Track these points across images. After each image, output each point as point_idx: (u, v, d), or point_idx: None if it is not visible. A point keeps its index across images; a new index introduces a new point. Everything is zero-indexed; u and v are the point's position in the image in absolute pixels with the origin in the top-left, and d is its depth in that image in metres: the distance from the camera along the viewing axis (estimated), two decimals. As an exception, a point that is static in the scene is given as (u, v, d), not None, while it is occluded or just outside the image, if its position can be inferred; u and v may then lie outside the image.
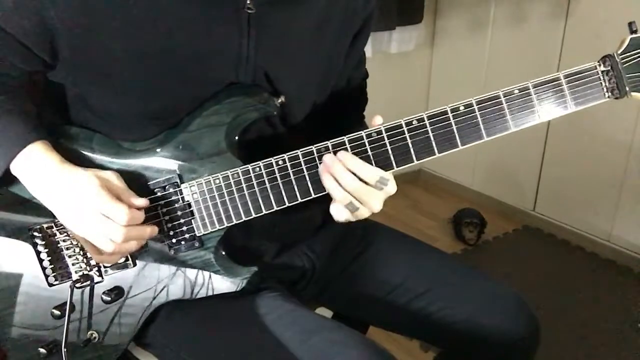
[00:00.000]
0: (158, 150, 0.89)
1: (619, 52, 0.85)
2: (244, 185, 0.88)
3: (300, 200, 0.88)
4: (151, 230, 0.87)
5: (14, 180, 0.85)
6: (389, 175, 0.86)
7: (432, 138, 0.85)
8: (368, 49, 1.11)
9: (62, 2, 0.79)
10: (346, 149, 0.86)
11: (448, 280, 1.06)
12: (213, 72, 0.88)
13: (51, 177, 0.83)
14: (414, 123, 0.85)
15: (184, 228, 0.90)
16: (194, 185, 0.89)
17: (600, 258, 2.53)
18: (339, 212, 0.89)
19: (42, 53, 0.84)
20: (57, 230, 0.91)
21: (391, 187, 0.87)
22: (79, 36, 0.81)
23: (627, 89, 0.85)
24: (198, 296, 0.93)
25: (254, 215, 0.89)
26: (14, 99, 0.87)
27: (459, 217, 2.71)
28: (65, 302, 0.90)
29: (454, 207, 2.82)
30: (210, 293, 0.93)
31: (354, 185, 0.84)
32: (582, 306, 2.20)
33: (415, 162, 0.87)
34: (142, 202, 0.86)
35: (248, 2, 0.85)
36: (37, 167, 0.83)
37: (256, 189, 0.88)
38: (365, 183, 0.85)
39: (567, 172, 2.63)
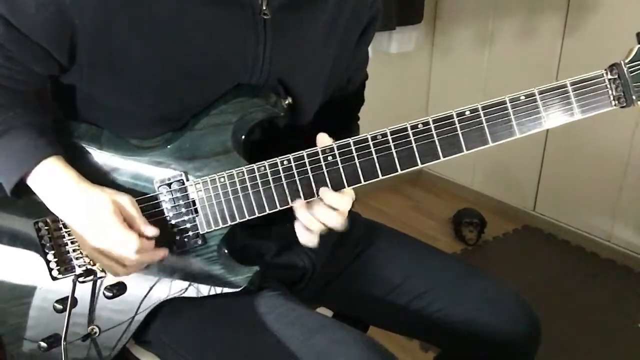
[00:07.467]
0: (165, 147, 0.90)
1: (627, 60, 0.84)
2: (248, 184, 0.88)
3: (304, 201, 0.88)
4: (163, 254, 0.89)
5: (29, 191, 0.86)
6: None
7: (437, 142, 0.85)
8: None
9: None
10: (351, 151, 0.86)
11: (448, 280, 1.07)
12: (227, 75, 0.89)
13: (68, 195, 0.84)
14: (419, 127, 0.85)
15: (188, 225, 0.90)
16: (199, 183, 0.89)
17: (600, 258, 2.53)
18: (305, 236, 0.92)
19: (60, 55, 0.84)
20: (62, 224, 0.91)
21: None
22: (98, 35, 0.81)
23: (634, 97, 0.84)
24: (200, 295, 0.93)
25: (257, 215, 0.89)
26: (30, 111, 0.87)
27: (459, 217, 2.70)
28: (67, 297, 0.91)
29: (454, 207, 2.81)
30: (212, 292, 0.93)
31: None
32: (582, 306, 2.20)
33: (420, 165, 0.87)
34: (153, 231, 0.86)
35: (264, 7, 0.86)
36: (54, 183, 0.84)
37: (260, 188, 0.88)
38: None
39: (567, 172, 2.62)
